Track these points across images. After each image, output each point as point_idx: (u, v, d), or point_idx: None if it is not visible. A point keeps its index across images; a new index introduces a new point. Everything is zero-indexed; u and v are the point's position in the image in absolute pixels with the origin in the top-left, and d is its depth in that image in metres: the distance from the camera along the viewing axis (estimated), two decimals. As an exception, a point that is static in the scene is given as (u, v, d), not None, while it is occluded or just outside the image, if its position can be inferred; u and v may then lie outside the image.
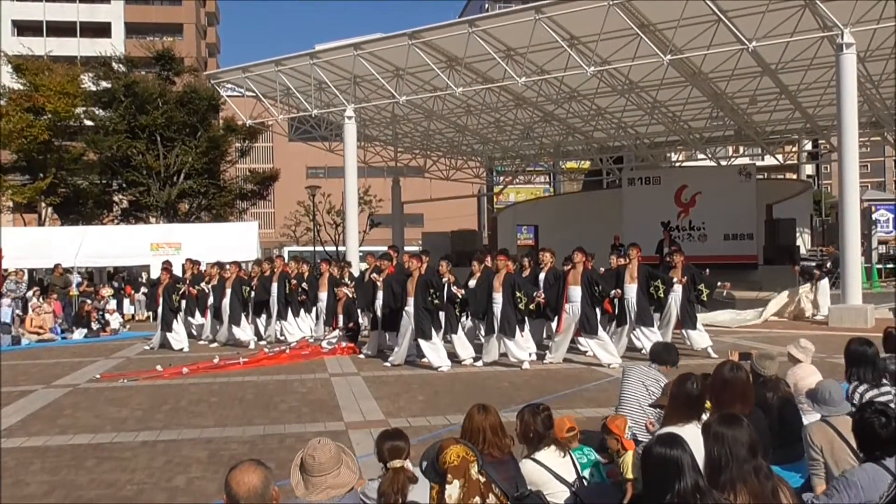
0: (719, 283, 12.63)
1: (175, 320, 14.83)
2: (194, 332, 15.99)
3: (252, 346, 14.61)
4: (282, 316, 15.15)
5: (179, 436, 7.58)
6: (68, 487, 5.98)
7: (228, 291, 14.96)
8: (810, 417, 4.77)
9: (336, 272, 15.43)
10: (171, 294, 14.85)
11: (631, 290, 11.79)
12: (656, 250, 22.40)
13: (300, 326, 15.14)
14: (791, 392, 5.38)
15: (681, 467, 2.93)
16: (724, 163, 29.91)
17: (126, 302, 22.15)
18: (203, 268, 16.32)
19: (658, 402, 5.09)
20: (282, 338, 15.00)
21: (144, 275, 23.90)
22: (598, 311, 11.50)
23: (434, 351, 11.34)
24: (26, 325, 17.22)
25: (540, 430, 4.43)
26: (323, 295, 14.87)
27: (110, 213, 34.95)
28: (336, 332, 14.02)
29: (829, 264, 17.50)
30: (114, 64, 34.20)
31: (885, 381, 5.23)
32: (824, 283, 16.75)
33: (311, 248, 40.88)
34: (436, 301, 11.30)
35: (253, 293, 15.27)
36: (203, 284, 15.50)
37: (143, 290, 21.98)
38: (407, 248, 21.71)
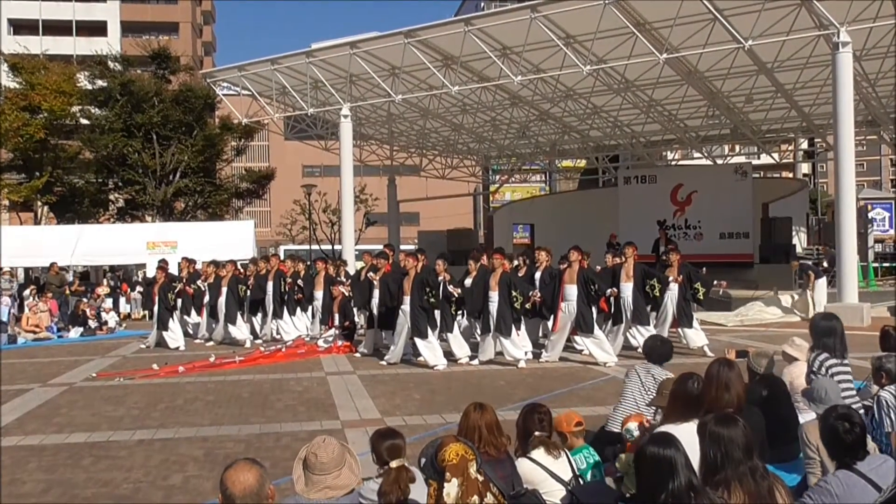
0: (715, 282, 12.66)
1: (171, 319, 14.81)
2: (190, 331, 15.97)
3: (248, 344, 14.60)
4: (278, 314, 15.10)
5: (175, 434, 7.58)
6: (64, 486, 5.97)
7: (224, 290, 14.97)
8: (806, 416, 4.77)
9: (332, 271, 15.42)
10: (167, 293, 14.85)
11: (627, 288, 11.82)
12: (652, 249, 22.39)
13: (296, 325, 15.09)
14: (787, 390, 5.39)
15: (674, 466, 2.94)
16: (720, 161, 29.85)
17: (122, 300, 22.13)
18: (199, 266, 16.29)
19: (654, 401, 5.11)
20: (278, 336, 14.96)
21: (140, 273, 23.86)
22: (593, 309, 11.54)
23: (430, 349, 11.34)
24: (22, 323, 17.20)
25: (534, 431, 4.44)
26: (319, 293, 14.86)
27: (106, 211, 34.89)
28: (332, 331, 13.99)
29: (825, 263, 17.52)
30: (110, 63, 34.09)
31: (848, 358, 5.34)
32: (822, 282, 16.77)
33: (307, 247, 40.86)
34: (432, 300, 11.31)
35: (249, 292, 15.26)
36: (199, 283, 15.47)
37: (139, 288, 21.95)
38: (403, 247, 21.68)
